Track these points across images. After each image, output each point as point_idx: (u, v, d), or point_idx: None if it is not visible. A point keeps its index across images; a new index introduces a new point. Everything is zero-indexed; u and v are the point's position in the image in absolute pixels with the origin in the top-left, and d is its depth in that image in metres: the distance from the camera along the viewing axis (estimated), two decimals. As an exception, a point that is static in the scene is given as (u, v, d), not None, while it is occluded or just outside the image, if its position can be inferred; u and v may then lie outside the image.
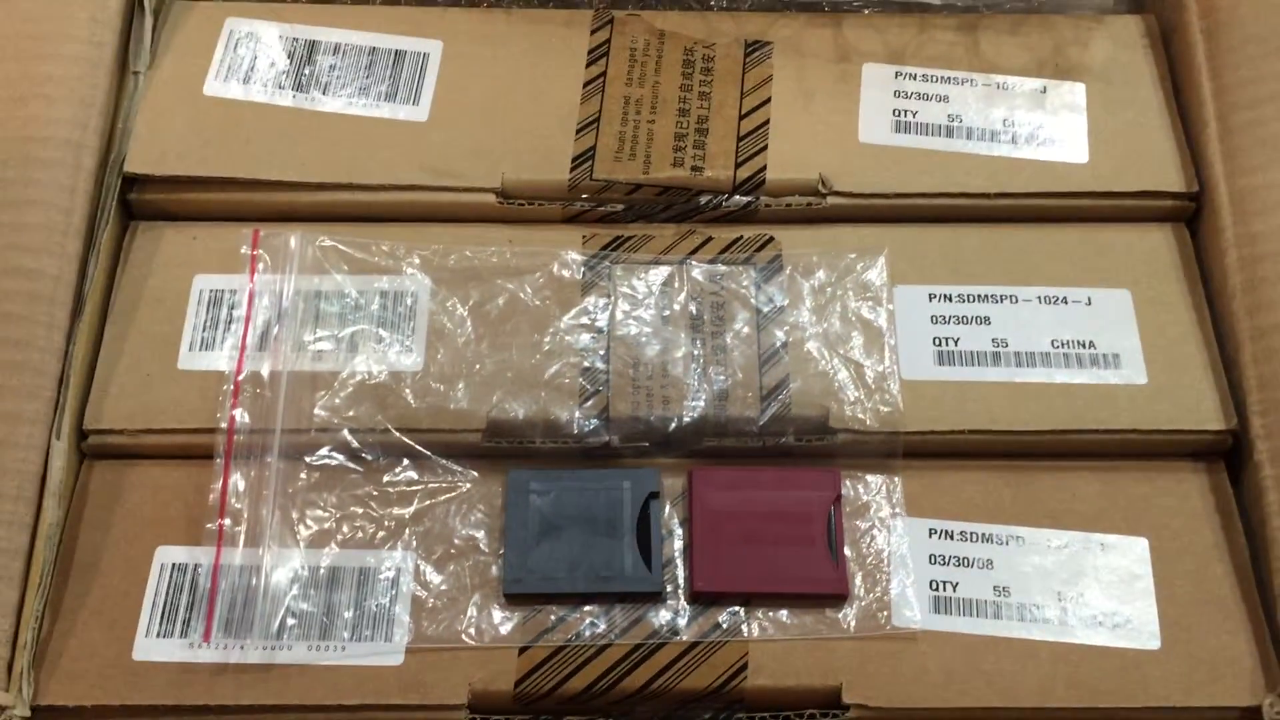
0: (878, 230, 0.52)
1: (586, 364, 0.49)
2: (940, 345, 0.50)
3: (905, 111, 0.54)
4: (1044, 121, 0.54)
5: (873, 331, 0.50)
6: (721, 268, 0.51)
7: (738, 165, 0.53)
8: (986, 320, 0.50)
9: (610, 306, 0.50)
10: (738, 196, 0.52)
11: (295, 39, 0.56)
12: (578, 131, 0.54)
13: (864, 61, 0.56)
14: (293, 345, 0.49)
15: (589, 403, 0.48)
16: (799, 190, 0.52)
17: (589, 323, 0.50)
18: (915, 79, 0.55)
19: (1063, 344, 0.50)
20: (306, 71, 0.55)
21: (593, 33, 0.56)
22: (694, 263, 0.51)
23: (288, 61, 0.55)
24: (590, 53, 0.56)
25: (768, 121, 0.54)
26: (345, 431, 0.48)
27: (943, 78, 0.55)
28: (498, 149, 0.53)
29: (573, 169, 0.53)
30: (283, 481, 0.47)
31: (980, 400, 0.49)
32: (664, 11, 0.57)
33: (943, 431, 0.48)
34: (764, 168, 0.53)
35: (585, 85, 0.55)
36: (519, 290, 0.51)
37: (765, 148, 0.53)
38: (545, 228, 0.53)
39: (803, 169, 0.53)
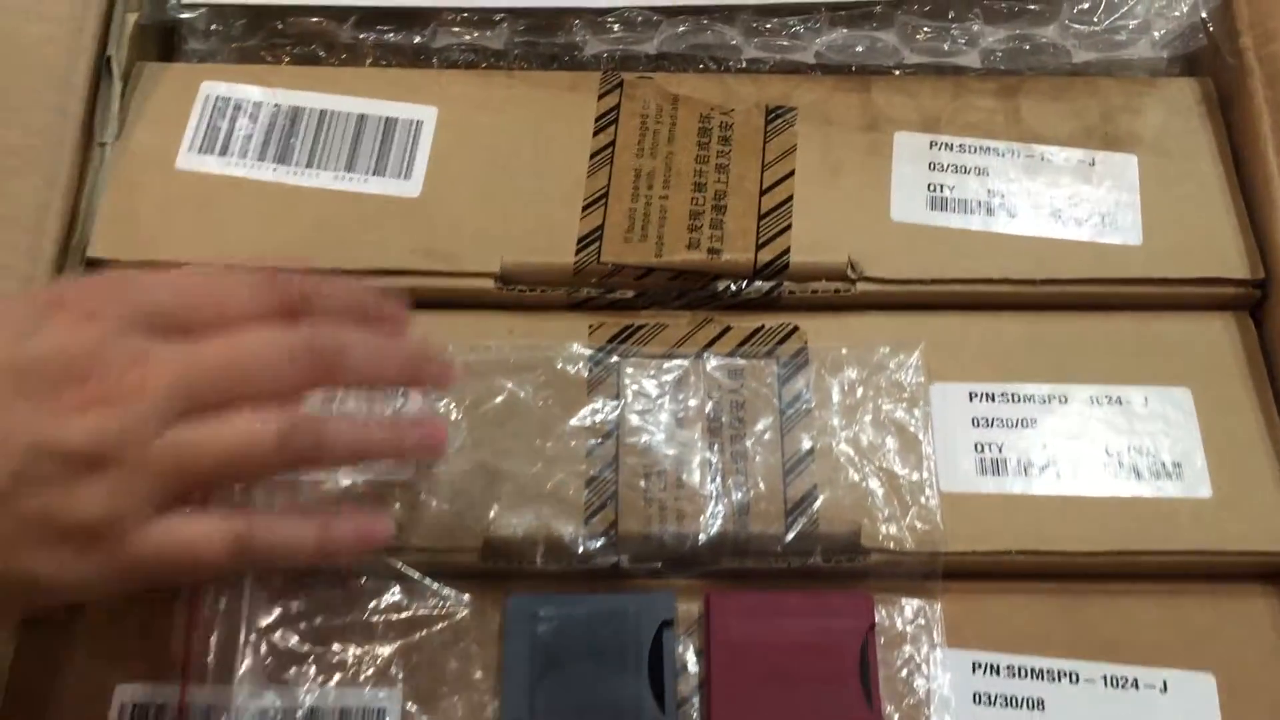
0: (912, 320, 0.48)
1: (592, 473, 0.45)
2: (982, 452, 0.45)
3: (941, 186, 0.50)
4: (1092, 197, 0.49)
5: (908, 437, 0.45)
6: (741, 362, 0.47)
7: (759, 247, 0.48)
8: (1032, 423, 0.46)
9: (619, 408, 0.46)
10: (759, 282, 0.48)
11: (277, 105, 0.51)
12: (584, 208, 0.49)
13: (896, 129, 0.51)
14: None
15: (595, 518, 0.44)
16: (826, 275, 0.48)
17: (595, 426, 0.45)
18: (952, 149, 0.51)
19: (1117, 451, 0.45)
20: (290, 142, 0.50)
21: (600, 97, 0.52)
22: (711, 356, 0.47)
23: (268, 131, 0.50)
24: (598, 120, 0.51)
25: (791, 197, 0.49)
26: (326, 554, 0.43)
27: (981, 148, 0.51)
28: (497, 228, 0.49)
29: (578, 251, 0.48)
30: (255, 610, 0.42)
31: (1027, 516, 0.44)
32: (678, 74, 0.53)
33: (986, 552, 0.43)
34: (787, 250, 0.48)
35: (592, 156, 0.50)
36: (519, 389, 0.46)
37: (789, 227, 0.49)
38: (548, 315, 0.48)
39: (830, 251, 0.48)
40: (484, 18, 0.53)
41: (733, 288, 0.48)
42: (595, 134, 0.51)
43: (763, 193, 0.50)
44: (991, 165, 0.50)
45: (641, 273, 0.48)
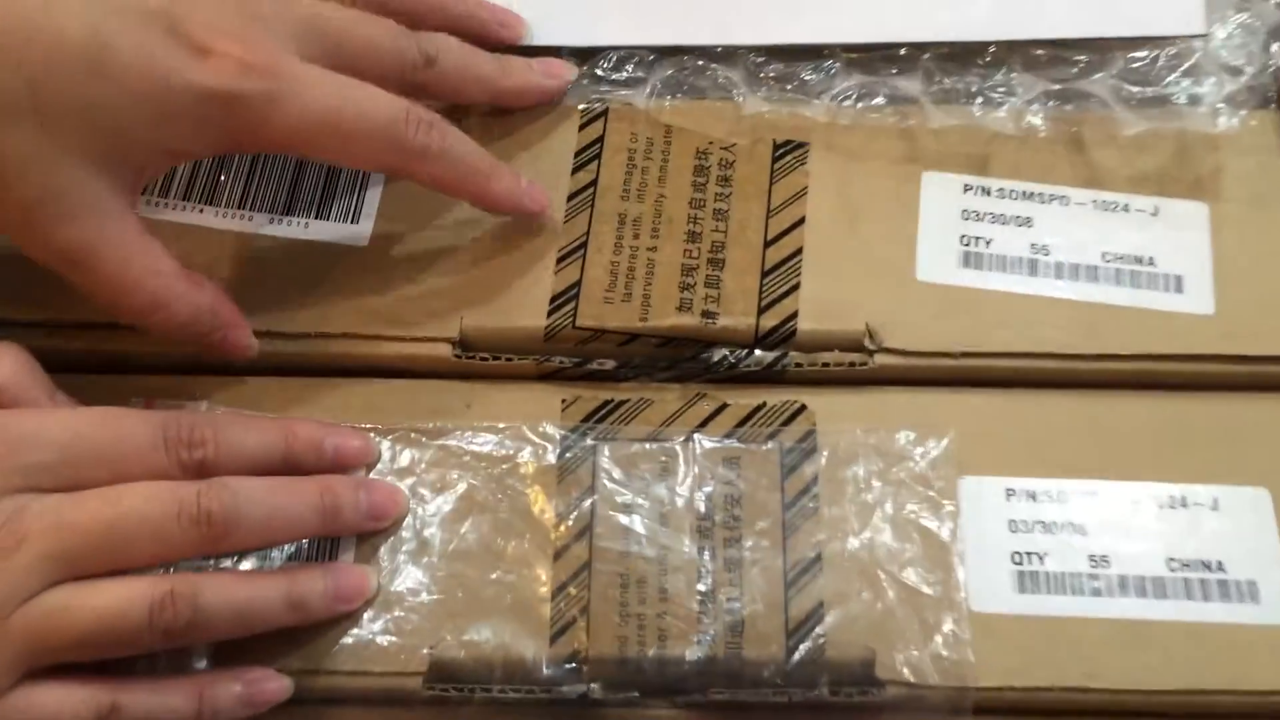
0: (940, 399, 0.41)
1: (560, 582, 0.38)
2: (1021, 564, 0.38)
3: (977, 239, 0.42)
4: (1155, 254, 0.42)
5: (933, 543, 0.38)
6: (738, 447, 0.40)
7: (761, 310, 0.41)
8: (1082, 530, 0.39)
9: (593, 502, 0.39)
10: (760, 352, 0.41)
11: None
12: (558, 262, 0.42)
13: (924, 168, 0.44)
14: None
15: (562, 636, 0.37)
16: (839, 345, 0.41)
17: (565, 524, 0.39)
18: (990, 194, 0.43)
19: (1183, 565, 0.38)
20: (219, 179, 0.44)
21: (582, 127, 0.45)
22: (703, 440, 0.40)
23: (194, 166, 0.44)
24: (578, 155, 0.44)
25: (800, 250, 0.42)
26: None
27: (1025, 193, 0.43)
28: (455, 285, 0.42)
29: (551, 313, 0.41)
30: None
31: (1074, 643, 0.37)
32: (668, 99, 0.45)
33: (1024, 688, 0.37)
34: (795, 314, 0.41)
35: (570, 198, 0.43)
36: (474, 478, 0.39)
37: (797, 287, 0.42)
38: (514, 387, 0.41)
39: (844, 317, 0.41)
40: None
41: (730, 358, 0.41)
42: (574, 171, 0.44)
43: (767, 244, 0.43)
44: (1036, 214, 0.43)
45: (624, 339, 0.41)
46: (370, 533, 0.39)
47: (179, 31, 0.35)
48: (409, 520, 0.39)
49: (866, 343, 0.41)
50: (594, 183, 0.44)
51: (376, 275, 0.42)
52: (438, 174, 0.40)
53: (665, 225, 0.43)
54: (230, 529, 0.35)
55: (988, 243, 0.42)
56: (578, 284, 0.42)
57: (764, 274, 0.42)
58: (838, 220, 0.43)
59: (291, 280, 0.42)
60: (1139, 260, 0.42)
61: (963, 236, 0.43)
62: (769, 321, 0.41)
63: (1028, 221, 0.43)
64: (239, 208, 0.43)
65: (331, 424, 0.39)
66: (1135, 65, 0.44)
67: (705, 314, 0.41)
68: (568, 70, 0.45)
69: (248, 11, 0.37)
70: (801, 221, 0.43)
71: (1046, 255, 0.42)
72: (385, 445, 0.40)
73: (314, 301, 0.42)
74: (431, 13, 0.43)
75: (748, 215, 0.43)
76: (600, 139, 0.44)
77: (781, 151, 0.44)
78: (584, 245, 0.42)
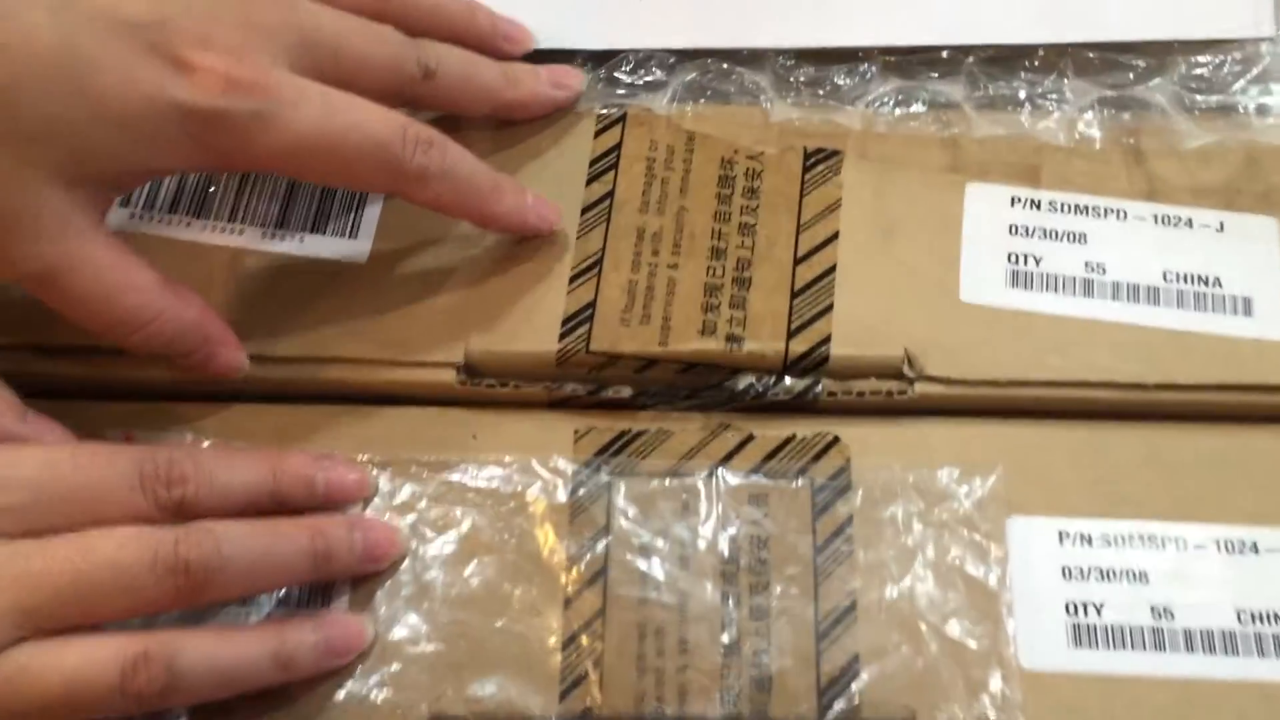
0: (986, 430, 0.37)
1: (571, 631, 0.35)
2: (1077, 615, 0.35)
3: (1026, 257, 0.39)
4: (1222, 273, 0.39)
5: (980, 591, 0.35)
6: (766, 483, 0.37)
7: (791, 334, 0.38)
8: (1143, 576, 0.35)
9: (608, 543, 0.36)
10: (790, 380, 0.38)
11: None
12: (571, 280, 0.39)
13: (968, 179, 0.41)
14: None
15: (573, 692, 0.34)
16: (875, 372, 0.38)
17: (577, 569, 0.36)
18: (1039, 208, 0.40)
19: (1254, 618, 0.34)
20: (208, 192, 0.41)
21: (597, 134, 0.42)
22: (728, 475, 0.37)
23: (182, 178, 0.41)
24: (593, 164, 0.41)
25: (834, 268, 0.39)
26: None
27: (1078, 206, 0.40)
28: (460, 306, 0.39)
29: (563, 336, 0.38)
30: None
31: (1134, 704, 0.33)
32: (690, 105, 0.42)
33: (1082, 755, 0.33)
34: (827, 339, 0.38)
35: (584, 211, 0.40)
36: (480, 516, 0.36)
37: (829, 308, 0.38)
38: (523, 416, 0.38)
39: (881, 342, 0.38)
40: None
41: (757, 386, 0.38)
42: (589, 182, 0.41)
43: (797, 262, 0.39)
44: (1091, 230, 0.40)
45: (642, 365, 0.38)
46: (367, 576, 0.36)
47: (162, 45, 0.33)
48: (408, 562, 0.36)
49: (905, 370, 0.37)
50: (610, 194, 0.41)
51: (376, 295, 0.39)
52: (437, 196, 0.37)
53: (687, 241, 0.40)
54: (210, 579, 0.32)
55: (1038, 260, 0.39)
56: (592, 304, 0.38)
57: (794, 294, 0.39)
58: (874, 236, 0.40)
59: (284, 300, 0.39)
60: (1204, 280, 0.39)
61: (1010, 254, 0.39)
62: (799, 346, 0.38)
63: (1081, 238, 0.39)
64: (230, 221, 0.40)
65: (324, 456, 0.36)
66: (1198, 71, 0.41)
67: (730, 338, 0.38)
68: (577, 79, 0.42)
69: (243, 18, 0.34)
70: (835, 237, 0.40)
71: (1103, 274, 0.39)
72: (383, 479, 0.37)
73: (308, 323, 0.39)
74: (432, 22, 0.40)
75: (777, 230, 0.40)
76: (617, 147, 0.41)
77: (813, 160, 0.41)
78: (599, 263, 0.39)
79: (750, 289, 0.39)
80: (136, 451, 0.33)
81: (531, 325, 0.38)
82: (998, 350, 0.38)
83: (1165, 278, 0.39)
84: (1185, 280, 0.39)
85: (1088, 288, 0.39)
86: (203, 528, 0.33)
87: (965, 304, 0.39)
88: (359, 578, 0.36)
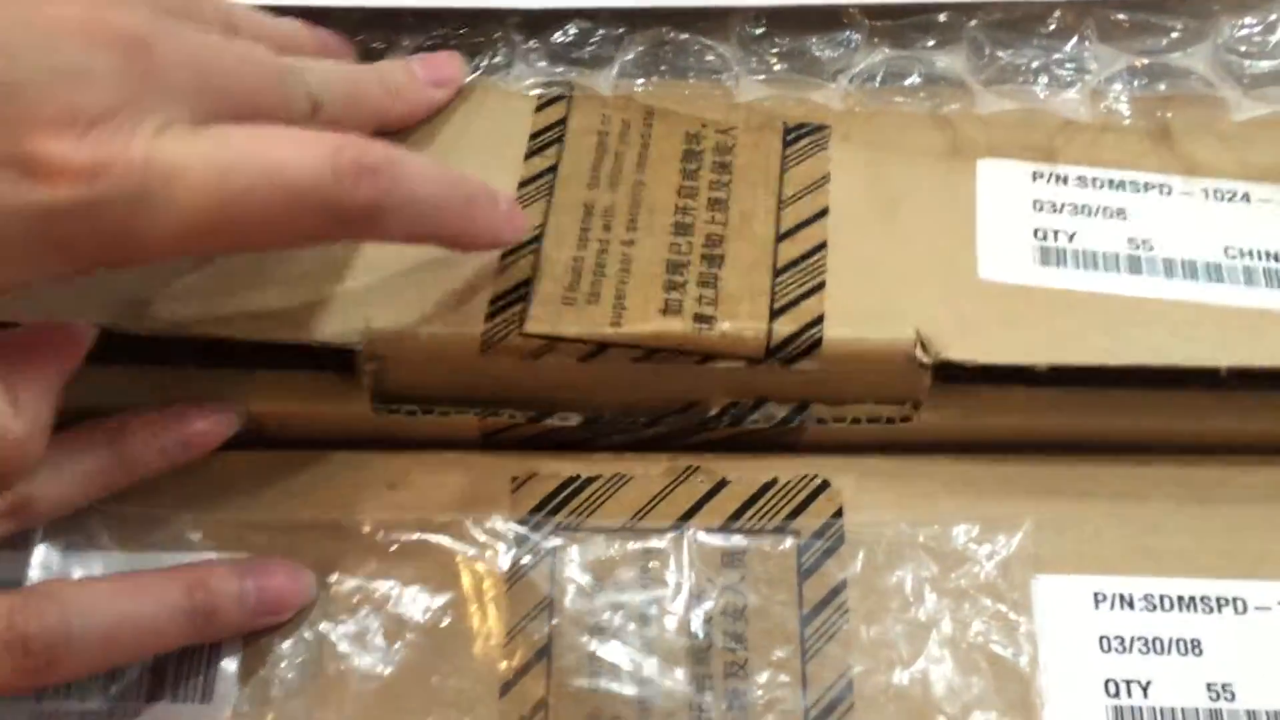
0: (1004, 469, 0.30)
1: None
2: (1118, 695, 0.26)
3: (1056, 233, 0.32)
4: (1290, 249, 0.32)
5: (1008, 675, 0.27)
6: (742, 542, 0.29)
7: (774, 314, 0.30)
8: (1196, 646, 0.27)
9: (552, 620, 0.28)
10: (771, 407, 0.30)
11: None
12: (503, 256, 0.32)
13: (979, 156, 0.34)
14: None
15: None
16: (880, 358, 0.30)
17: (516, 652, 0.27)
18: (1066, 183, 0.33)
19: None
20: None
21: (539, 109, 0.35)
22: (699, 534, 0.29)
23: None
24: (534, 138, 0.35)
25: (824, 245, 0.32)
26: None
27: (1112, 181, 0.33)
28: (366, 287, 0.31)
29: (490, 316, 0.30)
30: None
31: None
32: (640, 82, 0.36)
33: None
34: (819, 319, 0.30)
35: (522, 185, 0.33)
36: (395, 601, 0.28)
37: (821, 286, 0.31)
38: (450, 458, 0.31)
39: (886, 323, 0.30)
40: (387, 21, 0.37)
41: (726, 417, 0.30)
42: (529, 156, 0.34)
43: (779, 239, 0.32)
44: (1130, 204, 0.33)
45: (589, 351, 0.30)
46: (265, 629, 0.28)
47: (6, 136, 0.24)
48: (314, 647, 0.28)
49: (919, 354, 0.30)
50: (554, 168, 0.34)
51: (260, 273, 0.32)
52: (400, 232, 0.28)
53: (646, 215, 0.33)
54: (57, 656, 0.25)
55: (1070, 236, 0.32)
56: (528, 283, 0.31)
57: (776, 272, 0.31)
58: (872, 211, 0.33)
59: (151, 273, 0.31)
60: (1275, 256, 0.32)
61: (1037, 230, 0.32)
62: (785, 328, 0.30)
63: (1120, 213, 0.33)
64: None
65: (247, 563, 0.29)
66: (1244, 33, 0.35)
67: (699, 318, 0.30)
68: (455, 68, 0.35)
69: (127, 66, 0.26)
70: (824, 213, 0.33)
71: (1150, 250, 0.32)
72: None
73: (172, 295, 0.31)
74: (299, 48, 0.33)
75: (753, 206, 0.33)
76: (562, 121, 0.35)
77: (794, 136, 0.35)
78: (538, 238, 0.32)
79: (723, 266, 0.31)
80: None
81: (450, 305, 0.31)
82: (1031, 333, 0.30)
83: (1228, 253, 0.32)
84: (1253, 256, 0.32)
85: (1134, 264, 0.32)
86: (46, 593, 0.26)
87: (986, 282, 0.31)
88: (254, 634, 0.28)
